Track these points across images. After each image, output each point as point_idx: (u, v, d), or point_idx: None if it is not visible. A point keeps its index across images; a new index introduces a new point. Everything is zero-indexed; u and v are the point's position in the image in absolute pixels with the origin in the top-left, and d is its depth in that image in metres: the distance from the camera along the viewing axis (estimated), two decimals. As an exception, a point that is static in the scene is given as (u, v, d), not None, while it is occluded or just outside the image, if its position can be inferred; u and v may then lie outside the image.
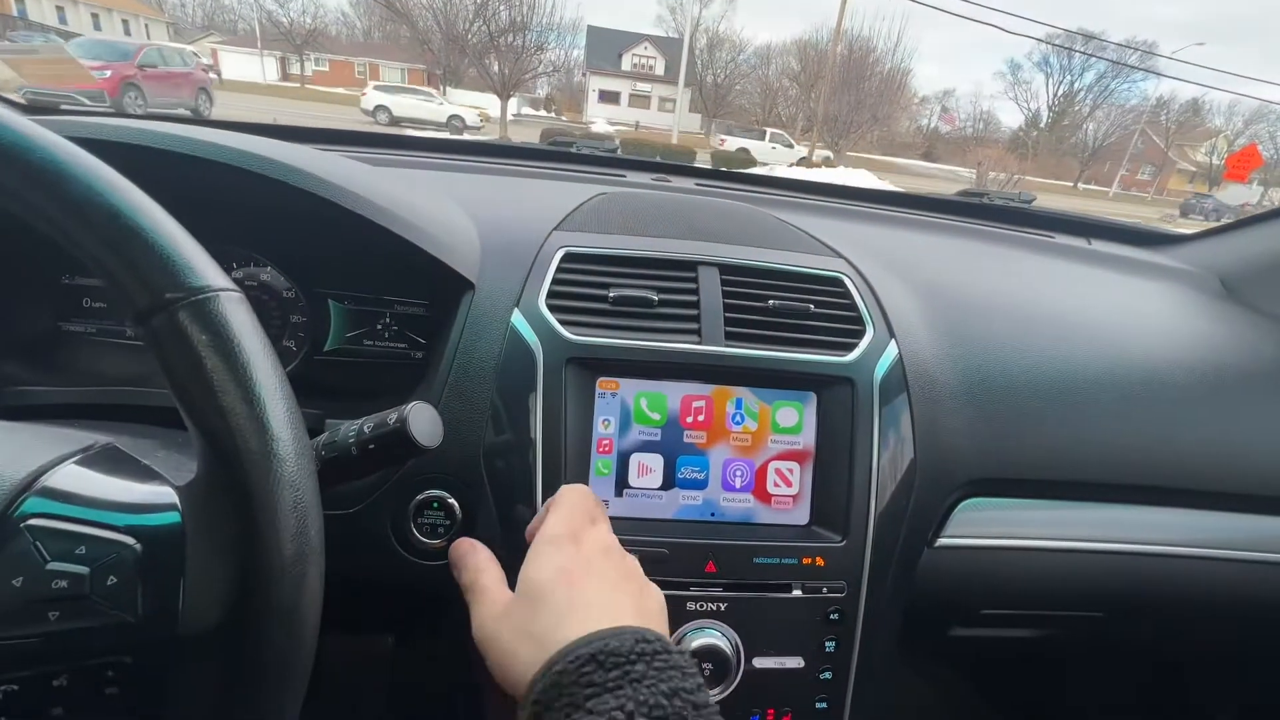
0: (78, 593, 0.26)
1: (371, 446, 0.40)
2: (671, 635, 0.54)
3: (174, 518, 0.29)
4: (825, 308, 0.63)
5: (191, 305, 0.28)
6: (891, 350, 0.62)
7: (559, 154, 1.12)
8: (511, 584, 0.43)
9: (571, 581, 0.39)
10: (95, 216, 0.27)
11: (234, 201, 0.56)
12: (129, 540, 0.28)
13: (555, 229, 0.66)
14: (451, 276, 0.59)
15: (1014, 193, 1.16)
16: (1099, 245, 1.04)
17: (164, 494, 0.30)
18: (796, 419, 0.60)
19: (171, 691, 0.28)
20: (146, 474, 0.31)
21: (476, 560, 0.46)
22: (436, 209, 0.62)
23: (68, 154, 0.28)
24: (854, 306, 0.64)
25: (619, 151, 1.17)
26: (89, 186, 0.27)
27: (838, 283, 0.65)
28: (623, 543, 0.54)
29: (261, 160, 0.52)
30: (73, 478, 0.29)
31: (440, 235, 0.59)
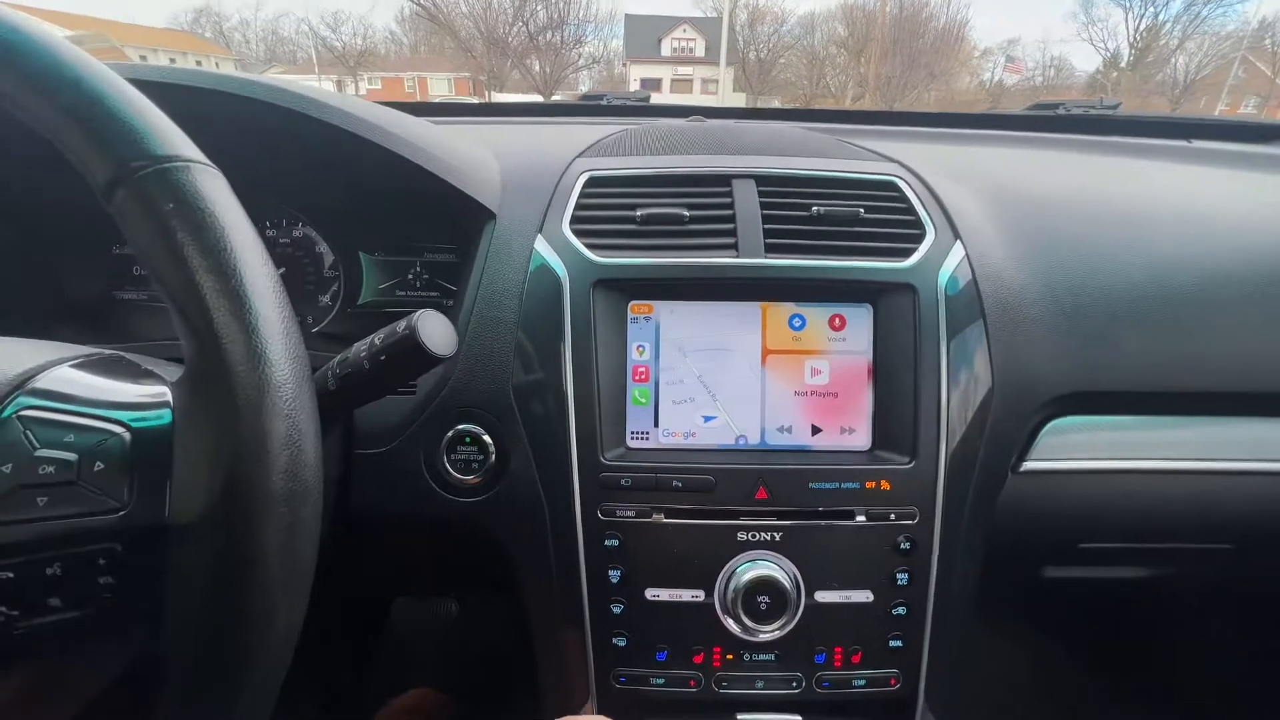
0: (65, 479, 0.25)
1: (383, 358, 0.38)
2: (722, 569, 0.50)
3: (166, 416, 0.28)
4: (877, 213, 0.56)
5: (159, 173, 0.26)
6: (957, 252, 0.55)
7: (589, 108, 1.09)
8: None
9: None
10: (56, 87, 0.26)
11: (264, 148, 0.56)
12: (118, 429, 0.27)
13: (578, 157, 0.62)
14: (472, 208, 0.57)
15: (1093, 100, 1.03)
16: (1201, 144, 0.91)
17: (159, 393, 0.29)
18: (851, 334, 0.54)
19: (165, 582, 0.26)
20: (144, 375, 0.30)
21: None
22: (454, 143, 0.60)
23: (29, 28, 0.26)
24: (911, 210, 0.57)
25: (650, 100, 1.12)
26: (50, 57, 0.26)
27: (890, 186, 0.58)
28: (663, 474, 0.51)
29: (285, 94, 0.51)
30: (66, 378, 0.28)
31: (457, 164, 0.57)
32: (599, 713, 0.51)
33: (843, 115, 1.02)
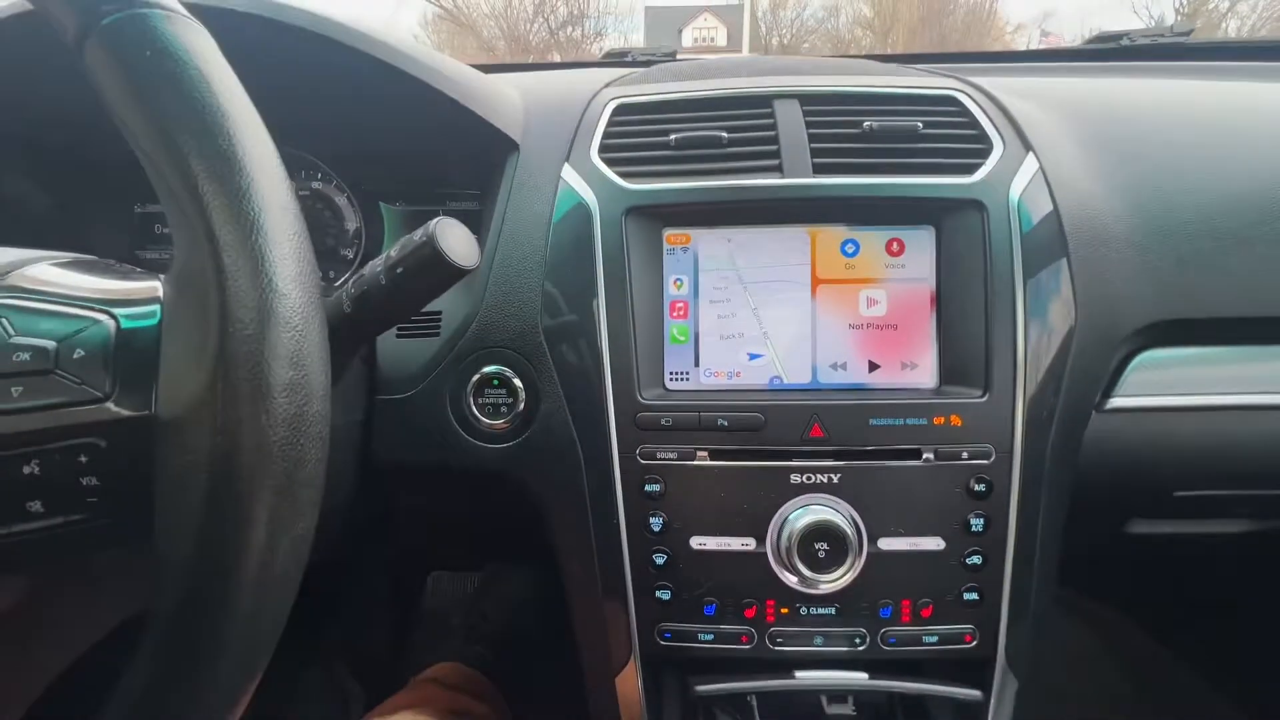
0: (42, 367, 0.22)
1: (399, 270, 0.35)
2: (774, 515, 0.45)
3: (156, 311, 0.25)
4: (937, 128, 0.51)
5: (134, 19, 0.23)
6: (1030, 165, 0.49)
7: (613, 63, 1.05)
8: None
9: None
10: None
11: (279, 80, 0.53)
12: (101, 318, 0.24)
13: (605, 86, 0.58)
14: (494, 139, 0.54)
15: (1161, 28, 0.94)
16: (1271, 63, 0.82)
17: (149, 288, 0.26)
18: (912, 260, 0.49)
19: (157, 483, 0.23)
20: (133, 274, 0.27)
21: None
22: (474, 73, 0.57)
23: None
24: (975, 124, 0.52)
25: (677, 55, 1.08)
26: None
27: (950, 101, 0.53)
28: (703, 413, 0.47)
29: (304, 14, 0.48)
30: (48, 274, 0.26)
31: (477, 91, 0.53)
32: (643, 673, 0.47)
33: (886, 57, 0.95)
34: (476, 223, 0.64)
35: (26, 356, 0.22)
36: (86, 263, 0.28)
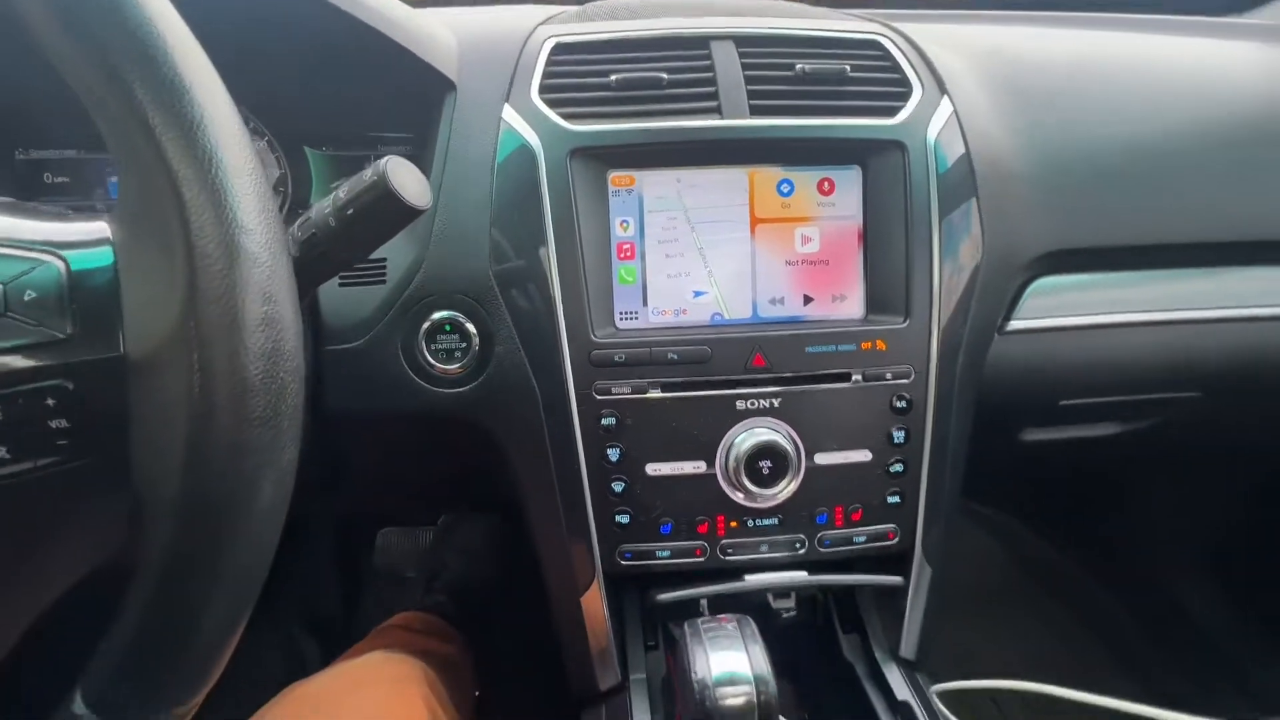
0: None
1: (350, 211, 0.34)
2: (722, 438, 0.49)
3: (108, 253, 0.24)
4: (862, 70, 0.54)
5: None
6: (945, 108, 0.53)
7: None
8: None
9: None
10: None
11: (192, 18, 0.49)
12: (47, 258, 0.23)
13: (541, 24, 0.57)
14: (429, 79, 0.52)
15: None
16: (1177, 16, 0.90)
17: (95, 229, 0.25)
18: (841, 198, 0.53)
19: (135, 417, 0.23)
20: (68, 217, 0.26)
21: None
22: (402, 6, 0.54)
23: None
24: (897, 68, 0.55)
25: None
26: None
27: (874, 45, 0.56)
28: (654, 348, 0.49)
29: None
30: None
31: (409, 26, 0.51)
32: (606, 589, 0.51)
33: None
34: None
35: None
36: (10, 205, 0.26)
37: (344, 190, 0.35)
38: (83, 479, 0.24)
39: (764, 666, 0.34)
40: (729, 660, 0.34)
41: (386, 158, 0.35)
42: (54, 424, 0.22)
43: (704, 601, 0.51)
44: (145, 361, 0.23)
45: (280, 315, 0.24)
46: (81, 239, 0.24)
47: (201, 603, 0.23)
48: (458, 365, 0.50)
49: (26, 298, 0.22)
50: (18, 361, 0.22)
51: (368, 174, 0.34)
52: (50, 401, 0.22)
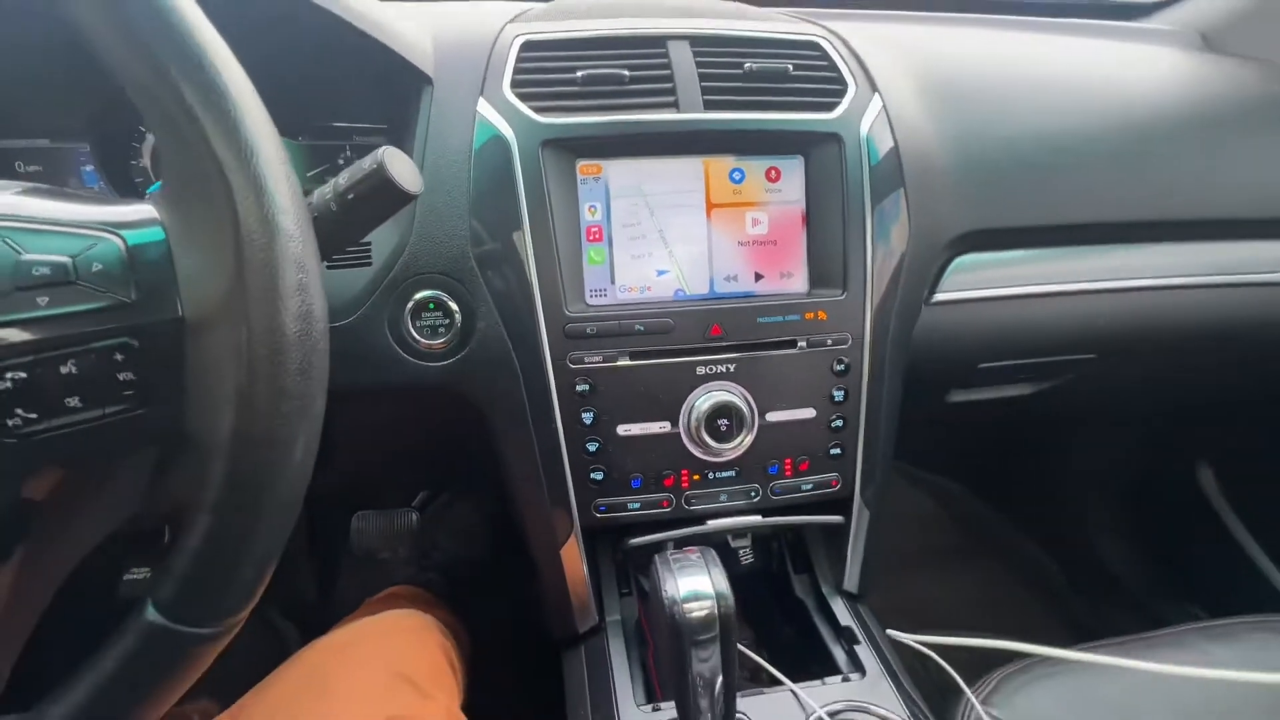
0: (63, 279, 0.25)
1: (350, 196, 0.38)
2: (684, 400, 0.55)
3: (159, 232, 0.28)
4: (804, 69, 0.60)
5: None
6: (875, 104, 0.60)
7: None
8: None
9: None
10: None
11: None
12: (106, 235, 0.27)
13: (508, 23, 0.61)
14: (408, 75, 0.55)
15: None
16: (1075, 21, 1.00)
17: (142, 210, 0.29)
18: (786, 185, 0.59)
19: (191, 370, 0.27)
20: (111, 200, 0.30)
21: None
22: (377, 3, 0.57)
23: None
24: (834, 67, 0.61)
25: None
26: None
27: (814, 45, 0.62)
28: (622, 320, 0.55)
29: None
30: (20, 202, 0.27)
31: (389, 26, 0.54)
32: (584, 541, 0.57)
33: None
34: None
35: (46, 270, 0.25)
36: (46, 190, 0.29)
37: (344, 178, 0.39)
38: (140, 425, 0.27)
39: (724, 585, 0.40)
40: (694, 582, 0.40)
41: (383, 148, 0.39)
42: (121, 376, 0.26)
43: (670, 545, 0.57)
44: (200, 322, 0.27)
45: (311, 282, 0.28)
46: (133, 219, 0.28)
47: (251, 525, 0.27)
48: (441, 340, 0.54)
49: (94, 269, 0.26)
50: (90, 323, 0.25)
51: (366, 163, 0.38)
52: (119, 357, 0.26)
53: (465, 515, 0.99)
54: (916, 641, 0.51)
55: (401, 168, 0.39)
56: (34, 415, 0.25)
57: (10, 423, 0.25)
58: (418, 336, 0.54)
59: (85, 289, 0.25)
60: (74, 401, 0.26)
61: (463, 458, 0.89)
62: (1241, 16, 0.88)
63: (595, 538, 0.59)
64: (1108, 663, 0.50)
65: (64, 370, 0.25)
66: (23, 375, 0.24)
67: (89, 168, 0.63)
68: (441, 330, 0.54)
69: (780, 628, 0.65)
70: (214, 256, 0.27)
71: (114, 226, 0.27)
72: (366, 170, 0.38)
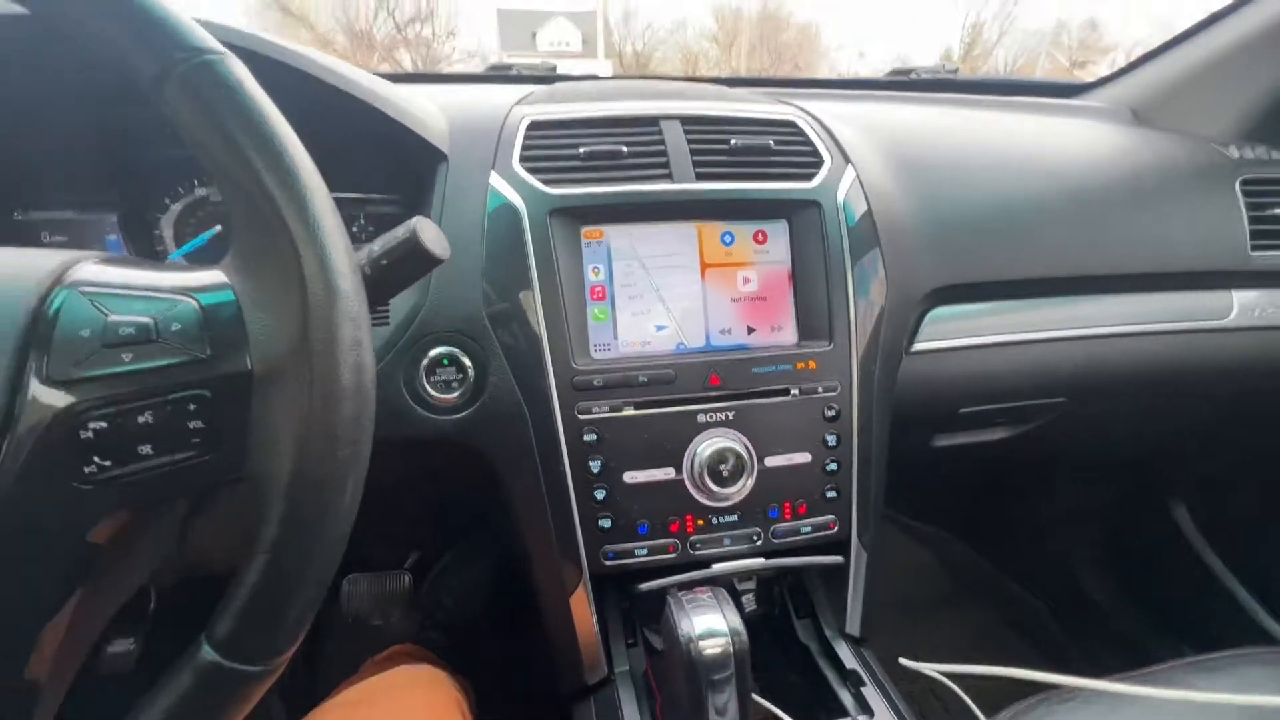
0: (145, 337, 0.28)
1: (384, 262, 0.42)
2: (687, 447, 0.58)
3: (230, 294, 0.31)
4: (784, 144, 0.67)
5: (203, 65, 0.29)
6: (850, 174, 0.66)
7: (497, 77, 1.12)
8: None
9: None
10: None
11: None
12: (185, 299, 0.29)
13: (516, 104, 0.67)
14: (425, 151, 0.60)
15: (939, 65, 1.22)
16: (1022, 99, 1.11)
17: (214, 276, 0.32)
18: (773, 246, 0.64)
19: (254, 419, 0.30)
20: (182, 267, 0.33)
21: None
22: (395, 87, 0.63)
23: None
24: (809, 142, 0.68)
25: (557, 69, 1.18)
26: None
27: (791, 124, 0.69)
28: (626, 373, 0.58)
29: (229, 30, 0.52)
30: (102, 270, 0.30)
31: (409, 109, 0.60)
32: (593, 588, 0.58)
33: (730, 80, 1.13)
34: (397, 224, 0.70)
35: (131, 330, 0.27)
36: (119, 259, 0.32)
37: (378, 245, 0.42)
38: (202, 470, 0.29)
39: (737, 622, 0.42)
40: (708, 620, 0.42)
41: (415, 218, 0.42)
42: (192, 425, 0.28)
43: (676, 589, 0.58)
44: (266, 375, 0.30)
45: (364, 339, 0.31)
46: (206, 284, 0.31)
47: (304, 564, 0.29)
48: (454, 395, 0.57)
49: (173, 328, 0.28)
50: (169, 377, 0.28)
51: (400, 231, 0.42)
52: (192, 407, 0.28)
53: (466, 574, 0.99)
54: (934, 670, 0.52)
55: (432, 235, 0.43)
56: (109, 463, 0.27)
57: (87, 470, 0.27)
58: (432, 391, 0.56)
59: (165, 346, 0.28)
60: (146, 449, 0.28)
61: (461, 515, 0.90)
62: (1165, 96, 0.99)
63: (602, 587, 0.60)
64: (1129, 692, 0.51)
65: (141, 420, 0.27)
66: (104, 425, 0.27)
67: (113, 237, 0.66)
68: (455, 385, 0.57)
69: (785, 673, 0.65)
70: (281, 316, 0.30)
71: (189, 290, 0.30)
72: (400, 238, 0.42)
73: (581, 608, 0.58)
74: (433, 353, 0.56)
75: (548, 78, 1.13)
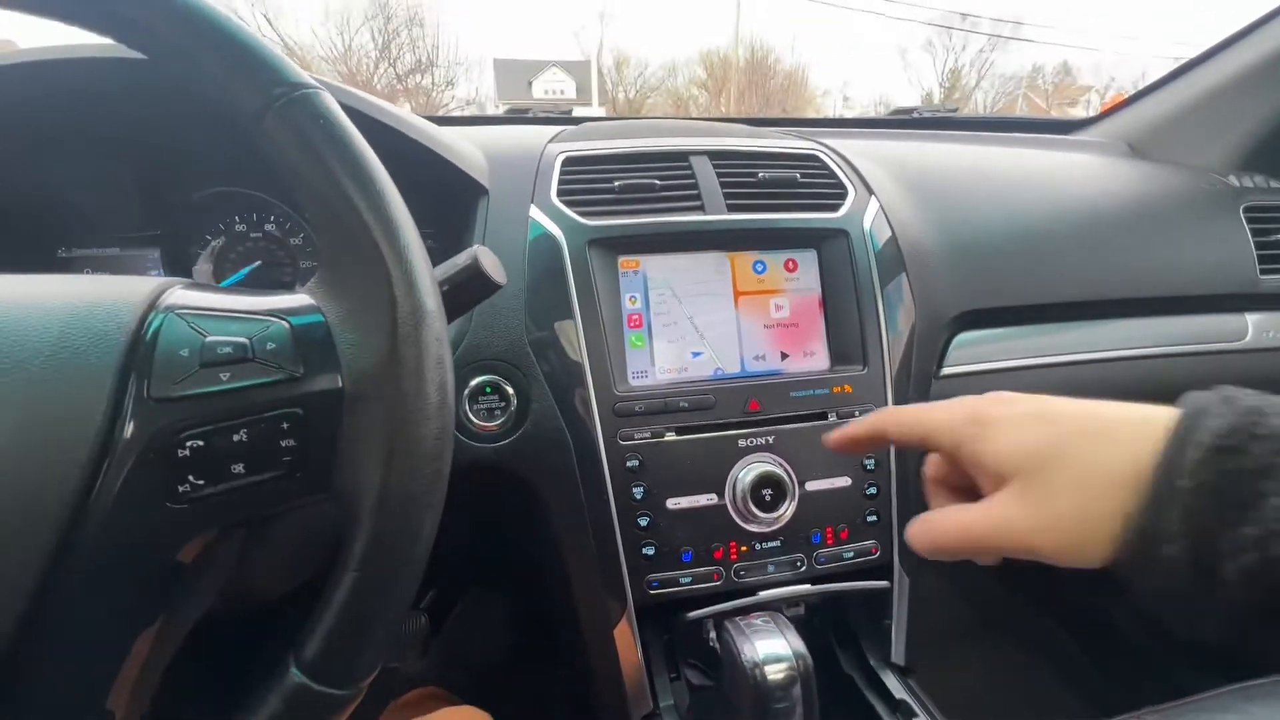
0: (242, 356, 0.28)
1: (446, 288, 0.43)
2: (729, 473, 0.58)
3: (319, 317, 0.32)
4: (810, 176, 0.69)
5: (302, 98, 0.31)
6: (873, 205, 0.69)
7: (517, 119, 1.16)
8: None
9: (1053, 412, 0.31)
10: (206, 29, 0.30)
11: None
12: (277, 320, 0.30)
13: (549, 142, 0.70)
14: (467, 185, 0.62)
15: (939, 105, 1.27)
16: (1019, 135, 1.16)
17: (301, 298, 0.32)
18: (803, 274, 0.66)
19: (343, 436, 0.30)
20: (271, 291, 0.33)
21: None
22: (438, 127, 0.65)
23: None
24: (833, 175, 0.70)
25: (573, 112, 1.22)
26: (195, 6, 0.30)
27: (814, 158, 0.71)
28: (667, 398, 0.58)
29: None
30: (192, 295, 0.31)
31: (452, 144, 0.62)
32: (640, 619, 0.57)
33: (745, 120, 1.17)
34: (434, 258, 0.71)
35: (229, 349, 0.28)
36: (204, 285, 0.33)
37: (439, 271, 0.43)
38: (289, 489, 0.29)
39: (800, 645, 0.41)
40: (772, 644, 0.41)
41: (475, 246, 0.44)
42: (283, 443, 0.29)
43: (709, 623, 0.57)
44: (356, 393, 0.30)
45: (446, 355, 0.32)
46: (295, 306, 0.31)
47: (392, 582, 0.29)
48: (497, 422, 0.57)
49: (268, 348, 0.29)
50: (265, 395, 0.28)
51: (461, 259, 0.43)
52: (285, 425, 0.28)
53: (489, 612, 0.96)
54: None
55: (492, 262, 0.44)
56: (202, 482, 0.27)
57: (181, 489, 0.27)
58: (475, 419, 0.56)
59: (261, 365, 0.29)
60: (239, 468, 0.28)
61: (487, 550, 0.88)
62: (1161, 129, 1.03)
63: (644, 619, 0.59)
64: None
65: (235, 438, 0.28)
66: (200, 444, 0.27)
67: (155, 273, 0.67)
68: (497, 412, 0.57)
69: (830, 706, 0.64)
70: (370, 336, 0.30)
71: (280, 312, 0.31)
72: (462, 265, 0.43)
73: (626, 640, 0.57)
74: (475, 381, 0.57)
75: (572, 119, 1.17)
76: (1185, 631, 0.26)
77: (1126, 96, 1.22)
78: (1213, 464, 0.24)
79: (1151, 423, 0.28)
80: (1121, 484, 0.27)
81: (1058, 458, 0.29)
